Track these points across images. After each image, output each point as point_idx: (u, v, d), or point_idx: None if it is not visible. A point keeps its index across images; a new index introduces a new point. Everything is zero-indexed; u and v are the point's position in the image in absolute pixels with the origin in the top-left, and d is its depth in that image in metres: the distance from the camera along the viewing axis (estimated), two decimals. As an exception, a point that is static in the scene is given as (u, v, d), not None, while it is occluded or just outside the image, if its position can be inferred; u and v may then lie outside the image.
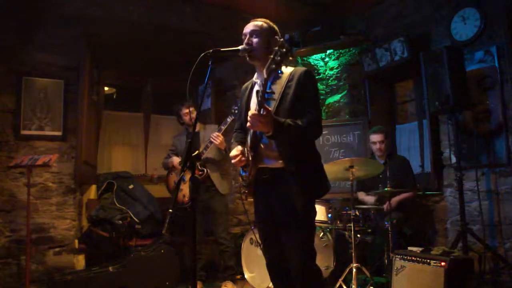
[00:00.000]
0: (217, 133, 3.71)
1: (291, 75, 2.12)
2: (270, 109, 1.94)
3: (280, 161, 2.06)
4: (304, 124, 2.01)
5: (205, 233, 4.07)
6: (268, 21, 2.22)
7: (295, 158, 2.05)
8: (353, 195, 3.45)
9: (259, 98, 1.91)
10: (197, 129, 4.02)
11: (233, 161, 2.17)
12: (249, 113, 1.94)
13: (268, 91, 1.97)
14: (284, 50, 1.85)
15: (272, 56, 1.87)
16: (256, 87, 2.19)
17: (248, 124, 1.96)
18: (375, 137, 3.96)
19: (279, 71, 2.02)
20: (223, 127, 3.72)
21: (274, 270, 2.23)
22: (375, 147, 3.96)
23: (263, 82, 1.93)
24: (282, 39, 1.89)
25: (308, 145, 2.15)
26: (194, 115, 4.01)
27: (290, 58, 1.96)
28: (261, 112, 1.89)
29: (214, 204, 3.89)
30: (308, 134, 2.08)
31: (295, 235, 2.06)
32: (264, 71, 1.92)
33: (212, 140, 3.71)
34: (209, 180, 3.86)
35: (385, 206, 3.58)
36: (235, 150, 2.18)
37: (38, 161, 3.46)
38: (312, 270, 2.07)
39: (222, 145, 3.74)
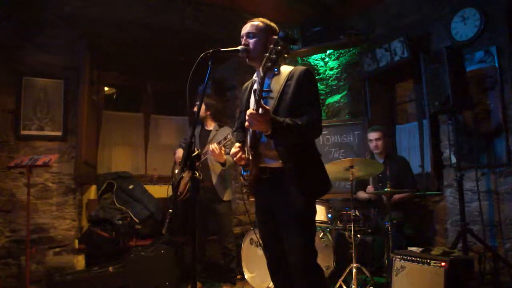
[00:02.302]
0: (215, 146, 3.47)
1: (291, 74, 2.11)
2: (268, 108, 1.92)
3: (280, 161, 2.05)
4: (303, 123, 1.99)
5: (206, 234, 4.04)
6: (265, 20, 2.21)
7: (294, 158, 2.04)
8: (353, 195, 3.45)
9: (257, 97, 1.90)
10: (210, 128, 3.96)
11: (234, 158, 2.16)
12: (247, 112, 1.93)
13: (266, 89, 1.96)
14: (279, 47, 1.85)
15: (267, 54, 1.87)
16: (255, 86, 2.18)
17: (246, 123, 1.95)
18: (372, 135, 4.00)
19: (275, 69, 2.01)
20: (222, 141, 3.49)
21: (275, 269, 2.23)
22: (372, 145, 4.00)
23: (260, 81, 1.92)
24: (276, 37, 1.89)
25: (308, 145, 2.14)
26: (201, 110, 3.92)
27: (286, 55, 1.96)
28: (259, 111, 1.88)
29: (216, 206, 3.83)
30: (307, 133, 2.06)
31: (295, 235, 2.05)
32: (260, 69, 1.92)
33: (210, 152, 3.51)
34: (210, 184, 3.80)
35: (384, 198, 3.58)
36: (234, 148, 2.17)
37: (38, 161, 3.46)
38: (313, 270, 2.05)
39: (220, 158, 3.51)
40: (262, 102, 1.90)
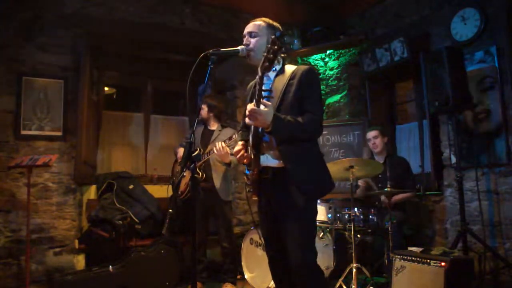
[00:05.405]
0: (221, 145, 3.35)
1: (293, 73, 2.12)
2: (269, 103, 1.93)
3: (281, 161, 2.06)
4: (304, 121, 2.00)
5: (207, 234, 4.03)
6: (267, 19, 2.22)
7: (296, 158, 2.05)
8: (353, 195, 3.45)
9: (256, 97, 1.92)
10: (213, 128, 3.97)
11: (236, 156, 2.17)
12: (247, 107, 1.94)
13: (267, 89, 1.97)
14: (275, 47, 1.87)
15: (265, 54, 1.89)
16: (255, 84, 2.19)
17: (247, 119, 1.95)
18: (370, 134, 4.04)
19: (274, 68, 2.04)
20: (228, 141, 3.38)
21: (276, 268, 2.23)
22: (370, 144, 4.03)
23: (258, 81, 1.93)
24: (273, 37, 1.90)
25: (310, 145, 2.15)
26: (203, 112, 3.91)
27: (282, 55, 1.97)
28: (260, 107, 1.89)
29: (218, 207, 3.82)
30: (308, 131, 2.07)
31: (295, 234, 2.05)
32: (259, 69, 1.93)
33: (215, 150, 3.39)
34: (211, 184, 3.79)
35: (384, 199, 3.58)
36: (237, 146, 2.19)
37: (38, 161, 3.46)
38: (312, 269, 2.05)
39: (225, 158, 3.43)
40: (263, 100, 1.91)
